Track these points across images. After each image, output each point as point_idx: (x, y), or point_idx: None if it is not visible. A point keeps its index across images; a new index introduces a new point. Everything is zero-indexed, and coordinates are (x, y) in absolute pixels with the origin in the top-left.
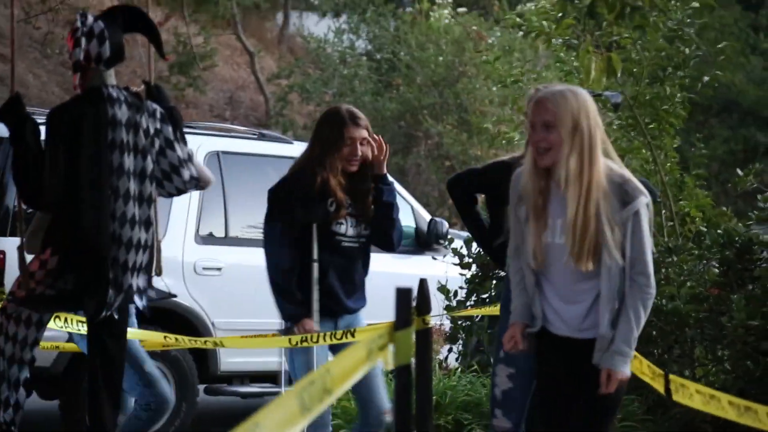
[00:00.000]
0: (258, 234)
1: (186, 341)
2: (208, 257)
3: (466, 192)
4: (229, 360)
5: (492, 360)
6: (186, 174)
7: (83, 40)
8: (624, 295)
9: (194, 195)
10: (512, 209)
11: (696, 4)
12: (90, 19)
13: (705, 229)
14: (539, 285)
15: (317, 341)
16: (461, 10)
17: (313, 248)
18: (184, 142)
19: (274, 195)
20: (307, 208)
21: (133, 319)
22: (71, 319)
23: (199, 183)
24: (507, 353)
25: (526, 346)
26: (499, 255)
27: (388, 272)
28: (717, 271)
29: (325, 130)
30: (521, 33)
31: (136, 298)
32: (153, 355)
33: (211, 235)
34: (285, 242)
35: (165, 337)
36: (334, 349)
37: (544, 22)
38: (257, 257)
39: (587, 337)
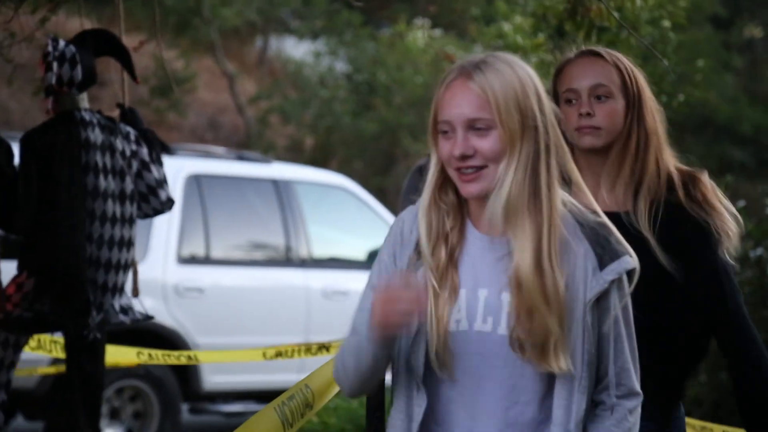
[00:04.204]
0: (239, 254)
1: (159, 356)
2: (190, 278)
3: None
4: (213, 379)
5: None
6: (163, 195)
7: (55, 64)
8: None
9: (174, 216)
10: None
11: (667, 23)
12: (61, 43)
13: None
14: (435, 411)
15: (291, 355)
16: (438, 32)
17: None
18: (160, 164)
19: None
20: None
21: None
22: (44, 340)
23: (174, 204)
24: None
25: None
26: None
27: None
28: None
29: None
30: (503, 48)
31: (121, 316)
32: (135, 375)
33: (192, 255)
34: None
35: (138, 353)
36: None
37: (519, 38)
38: (238, 277)
39: None
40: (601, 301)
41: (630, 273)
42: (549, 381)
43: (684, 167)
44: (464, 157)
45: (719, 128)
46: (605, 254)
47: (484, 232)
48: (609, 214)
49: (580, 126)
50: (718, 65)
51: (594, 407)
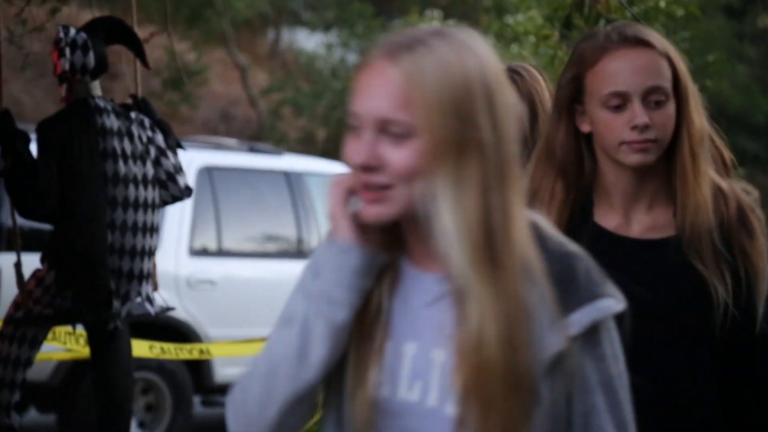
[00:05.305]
0: (250, 246)
1: (172, 350)
2: (202, 270)
3: None
4: (224, 371)
5: None
6: (182, 182)
7: (67, 50)
8: None
9: (186, 208)
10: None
11: (681, 12)
12: (72, 30)
13: None
14: None
15: None
16: (451, 24)
17: None
18: (176, 152)
19: None
20: None
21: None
22: (59, 332)
23: (192, 192)
24: None
25: None
26: None
27: None
28: None
29: None
30: (512, 39)
31: (147, 306)
32: (148, 367)
33: (204, 248)
34: None
35: (150, 346)
36: None
37: (528, 27)
38: (250, 269)
39: None
40: (562, 363)
41: (617, 318)
42: None
43: (734, 184)
44: (367, 169)
45: (732, 119)
46: (569, 298)
47: (418, 266)
48: (651, 242)
49: (631, 140)
50: (731, 55)
51: None
